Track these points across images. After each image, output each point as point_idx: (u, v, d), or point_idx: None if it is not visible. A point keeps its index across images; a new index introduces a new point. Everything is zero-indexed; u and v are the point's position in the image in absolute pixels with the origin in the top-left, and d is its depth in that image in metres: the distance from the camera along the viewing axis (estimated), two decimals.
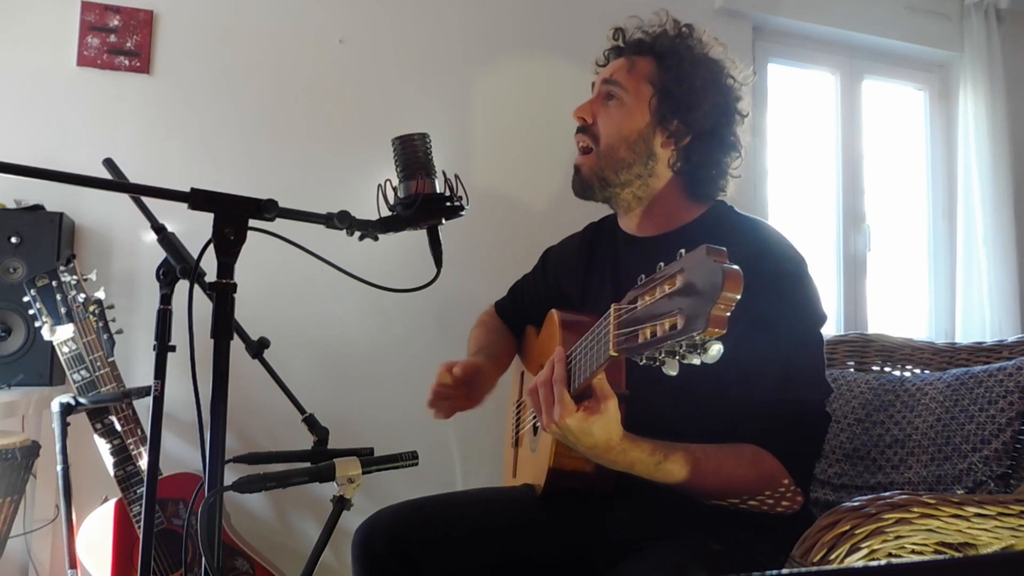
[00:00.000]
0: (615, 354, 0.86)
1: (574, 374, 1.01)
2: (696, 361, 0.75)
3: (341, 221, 1.05)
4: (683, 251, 0.76)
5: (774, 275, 1.17)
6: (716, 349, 0.73)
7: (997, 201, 2.90)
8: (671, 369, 0.77)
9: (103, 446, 1.72)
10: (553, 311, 1.36)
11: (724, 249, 0.71)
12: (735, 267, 0.69)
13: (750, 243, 1.22)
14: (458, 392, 1.40)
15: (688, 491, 1.12)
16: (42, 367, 1.88)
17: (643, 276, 0.82)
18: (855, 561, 0.96)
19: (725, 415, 1.15)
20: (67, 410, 1.70)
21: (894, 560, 1.00)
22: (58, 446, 1.71)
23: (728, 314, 0.69)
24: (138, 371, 2.10)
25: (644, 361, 0.80)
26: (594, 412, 1.00)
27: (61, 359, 1.72)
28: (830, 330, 1.28)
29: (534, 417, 1.39)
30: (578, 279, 1.48)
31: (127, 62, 2.20)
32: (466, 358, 1.51)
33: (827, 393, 1.20)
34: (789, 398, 1.14)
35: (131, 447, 1.72)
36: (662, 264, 0.79)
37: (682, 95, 1.28)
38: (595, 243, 1.49)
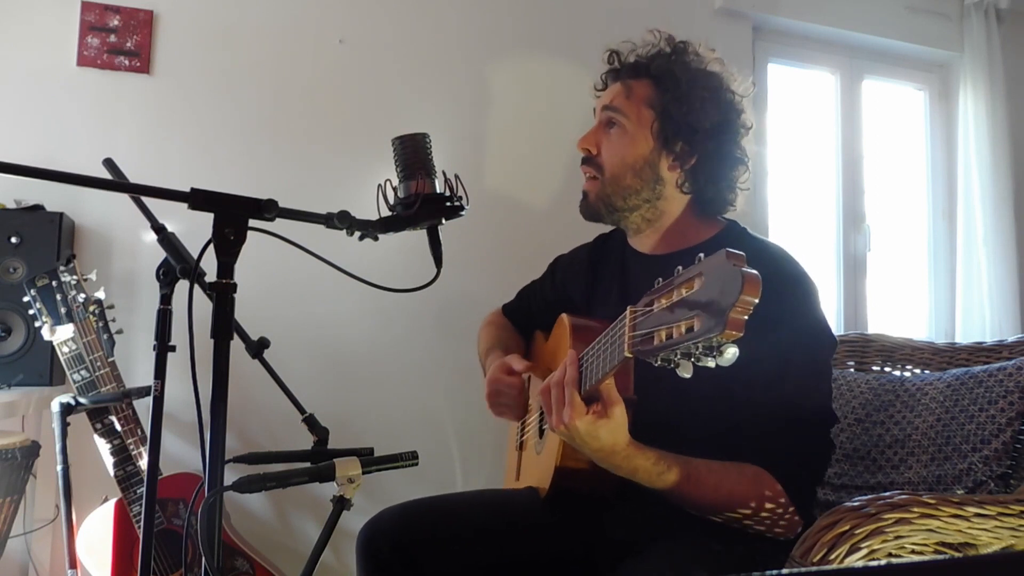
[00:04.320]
0: (630, 355, 0.86)
1: (586, 376, 1.01)
2: (711, 364, 0.75)
3: (341, 221, 1.05)
4: (701, 255, 0.76)
5: (784, 290, 1.16)
6: (732, 352, 0.73)
7: (997, 201, 2.90)
8: (685, 371, 0.78)
9: (103, 446, 1.72)
10: (564, 315, 1.35)
11: (743, 254, 0.72)
12: (754, 271, 0.69)
13: (763, 262, 1.22)
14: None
15: (685, 503, 1.12)
16: (42, 367, 1.88)
17: (659, 280, 0.82)
18: (855, 561, 0.96)
19: (730, 417, 1.15)
20: (67, 410, 1.70)
21: (894, 560, 1.00)
22: (58, 446, 1.71)
23: (746, 317, 0.69)
24: (138, 371, 2.10)
25: (659, 363, 0.80)
26: (602, 416, 1.00)
27: (61, 359, 1.72)
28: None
29: (540, 420, 1.40)
30: (585, 290, 1.48)
31: (127, 62, 2.20)
32: (489, 355, 1.51)
33: (832, 419, 1.19)
34: (793, 416, 1.13)
35: (131, 447, 1.72)
36: (680, 268, 0.79)
37: (683, 116, 1.27)
38: (603, 256, 1.49)
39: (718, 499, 1.11)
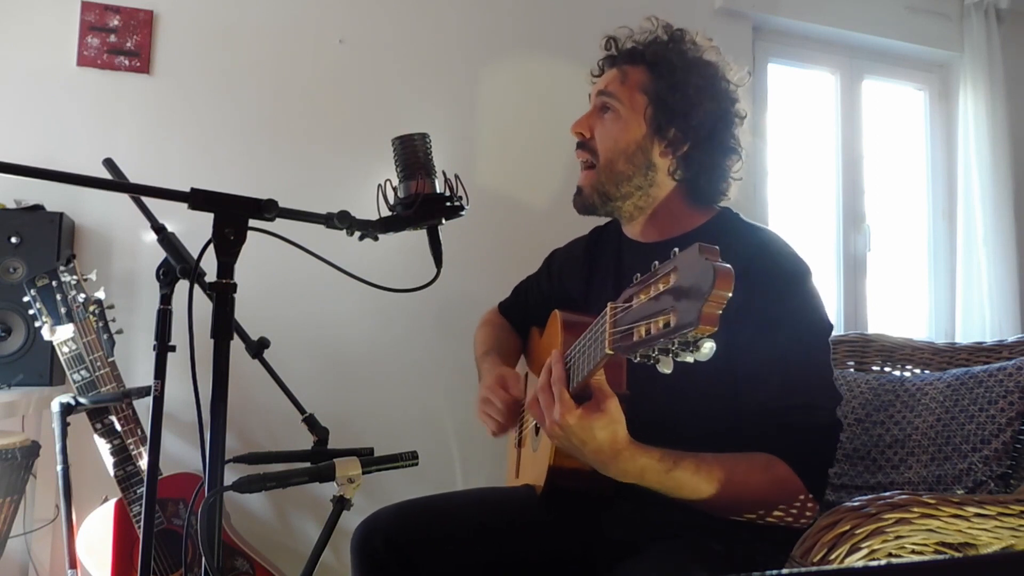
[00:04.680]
0: (611, 352, 0.86)
1: (573, 374, 1.01)
2: (689, 359, 0.75)
3: (341, 221, 1.05)
4: (676, 250, 0.76)
5: (778, 277, 1.17)
6: (708, 347, 0.73)
7: (997, 201, 2.90)
8: (665, 367, 0.77)
9: (103, 446, 1.72)
10: (556, 311, 1.36)
11: (716, 248, 0.71)
12: (726, 265, 0.69)
13: (755, 248, 1.22)
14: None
15: (702, 504, 1.09)
16: (42, 367, 1.88)
17: (639, 275, 0.82)
18: (855, 561, 0.96)
19: (728, 415, 1.15)
20: (67, 410, 1.70)
21: (894, 560, 1.00)
22: (58, 446, 1.71)
23: (719, 312, 0.69)
24: (138, 371, 2.10)
25: (639, 359, 0.80)
26: (594, 411, 0.98)
27: (61, 359, 1.72)
28: None
29: None
30: (582, 282, 1.48)
31: (127, 62, 2.20)
32: (485, 359, 1.50)
33: (836, 400, 1.18)
34: (797, 402, 1.12)
35: (131, 447, 1.72)
36: (656, 263, 0.79)
37: (676, 103, 1.27)
38: (599, 247, 1.49)
39: (732, 491, 1.07)
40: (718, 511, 1.12)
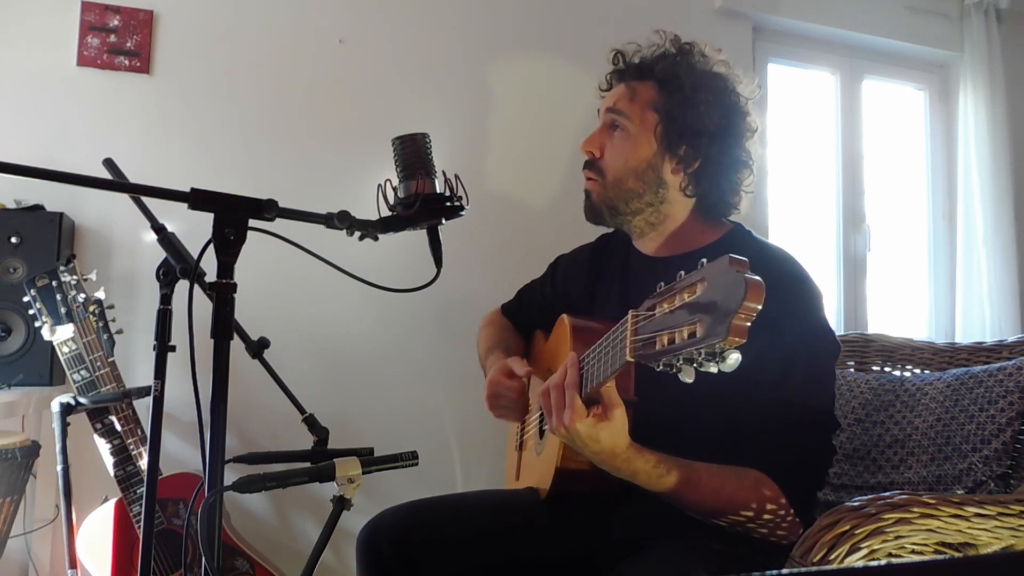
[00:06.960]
0: (631, 360, 0.86)
1: (586, 379, 1.01)
2: (713, 369, 0.75)
3: (341, 221, 1.05)
4: (704, 260, 0.76)
5: (789, 296, 1.16)
6: (734, 358, 0.73)
7: (997, 201, 2.90)
8: (687, 376, 0.78)
9: (103, 446, 1.72)
10: (564, 316, 1.35)
11: (746, 260, 0.71)
12: (757, 278, 0.69)
13: (768, 266, 1.21)
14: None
15: (685, 506, 1.12)
16: (42, 367, 1.88)
17: (662, 284, 0.82)
18: (855, 561, 0.96)
19: (729, 424, 1.15)
20: (67, 410, 1.70)
21: (894, 560, 1.00)
22: (58, 446, 1.71)
23: (749, 324, 0.69)
24: (138, 371, 2.10)
25: (661, 368, 0.80)
26: (603, 419, 1.00)
27: (61, 359, 1.72)
28: None
29: (540, 421, 1.39)
30: (586, 290, 1.48)
31: (127, 62, 2.19)
32: (490, 356, 1.51)
33: (834, 426, 1.19)
34: (795, 422, 1.13)
35: (131, 447, 1.72)
36: (682, 273, 0.79)
37: (687, 119, 1.26)
38: (606, 256, 1.49)
39: (718, 503, 1.11)
40: (700, 516, 1.14)
